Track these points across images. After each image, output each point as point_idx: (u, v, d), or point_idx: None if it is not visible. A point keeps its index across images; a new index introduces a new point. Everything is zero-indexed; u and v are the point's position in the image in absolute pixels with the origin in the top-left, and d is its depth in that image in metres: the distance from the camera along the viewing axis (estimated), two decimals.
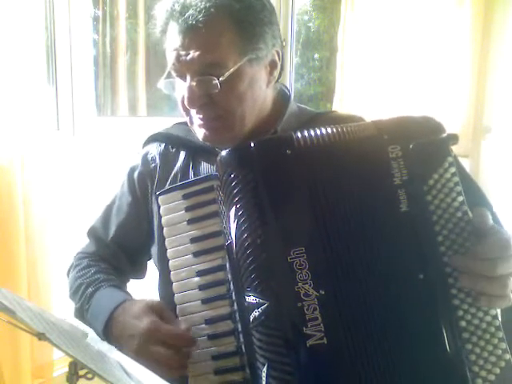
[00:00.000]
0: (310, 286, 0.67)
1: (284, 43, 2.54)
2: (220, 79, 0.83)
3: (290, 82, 2.58)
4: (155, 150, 1.03)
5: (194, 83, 0.84)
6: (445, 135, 0.69)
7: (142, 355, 0.78)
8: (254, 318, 0.69)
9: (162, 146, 1.02)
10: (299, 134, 0.71)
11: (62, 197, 1.63)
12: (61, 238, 1.57)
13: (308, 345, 0.66)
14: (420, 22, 2.32)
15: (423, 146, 0.68)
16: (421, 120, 0.71)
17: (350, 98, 2.40)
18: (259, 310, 0.68)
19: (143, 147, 1.06)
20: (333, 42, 2.60)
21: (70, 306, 1.01)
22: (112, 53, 2.11)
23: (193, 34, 0.82)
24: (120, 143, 1.82)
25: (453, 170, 0.68)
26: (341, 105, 2.40)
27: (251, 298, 0.69)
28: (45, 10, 1.57)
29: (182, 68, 0.85)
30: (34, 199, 1.38)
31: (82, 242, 1.09)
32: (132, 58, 2.22)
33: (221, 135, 0.90)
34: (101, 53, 2.07)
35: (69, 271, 1.06)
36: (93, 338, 0.80)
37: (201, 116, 0.88)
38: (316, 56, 3.30)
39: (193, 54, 0.83)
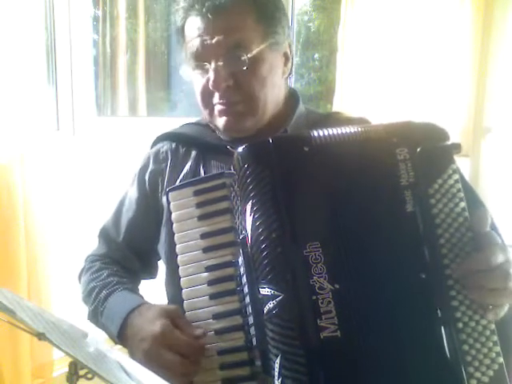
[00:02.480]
0: (325, 279, 0.67)
1: None
2: (248, 55, 0.85)
3: (290, 81, 2.57)
4: (166, 148, 1.03)
5: (221, 63, 0.86)
6: (449, 143, 0.71)
7: (151, 358, 0.78)
8: (269, 309, 0.69)
9: (173, 144, 1.02)
10: (315, 133, 0.73)
11: (62, 197, 1.63)
12: (61, 238, 1.57)
13: (322, 337, 0.67)
14: (420, 22, 2.32)
15: (430, 151, 0.70)
16: (427, 126, 0.73)
17: (350, 98, 2.40)
18: (274, 301, 0.69)
19: (153, 146, 1.06)
20: (333, 42, 2.60)
21: (70, 306, 1.01)
22: (112, 53, 2.11)
23: (218, 16, 0.85)
24: (120, 143, 1.82)
25: (456, 176, 0.69)
26: (341, 105, 2.40)
27: (266, 290, 0.70)
28: (45, 10, 1.57)
29: (207, 53, 0.87)
30: (34, 199, 1.38)
31: (91, 243, 1.09)
32: (132, 58, 2.22)
33: (243, 121, 0.90)
34: (101, 53, 2.07)
35: (80, 274, 1.06)
36: (93, 338, 0.80)
37: (224, 101, 0.89)
38: (316, 56, 3.30)
39: (218, 37, 0.85)
